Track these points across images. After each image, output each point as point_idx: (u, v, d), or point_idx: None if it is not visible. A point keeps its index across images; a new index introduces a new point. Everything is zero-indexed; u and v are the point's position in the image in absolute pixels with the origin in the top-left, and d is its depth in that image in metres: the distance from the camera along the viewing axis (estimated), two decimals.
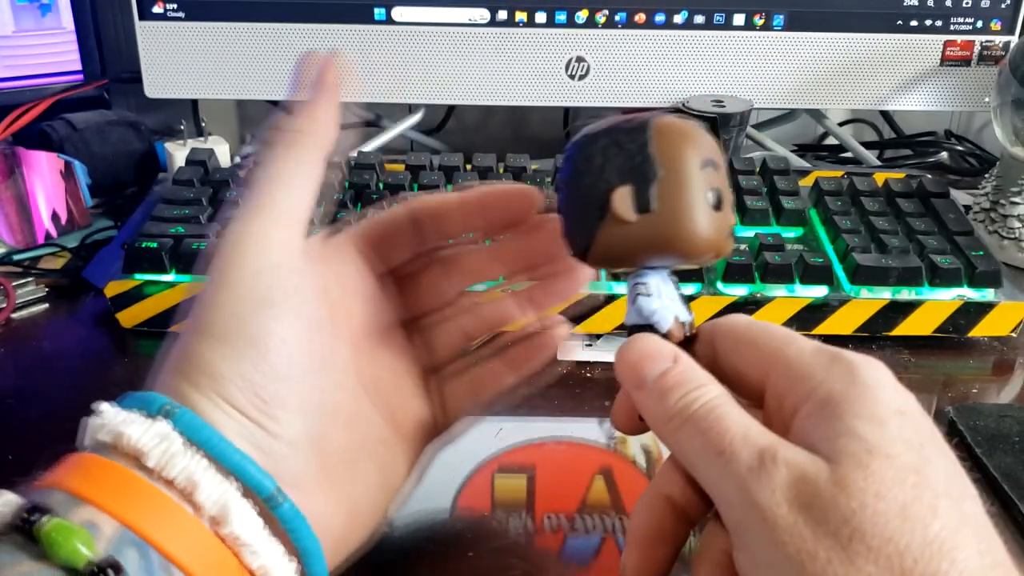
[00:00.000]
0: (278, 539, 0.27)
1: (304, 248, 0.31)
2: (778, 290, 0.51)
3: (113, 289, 0.50)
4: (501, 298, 0.36)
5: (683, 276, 0.51)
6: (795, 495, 0.24)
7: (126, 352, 0.50)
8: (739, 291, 0.51)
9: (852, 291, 0.51)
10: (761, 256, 0.52)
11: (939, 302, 0.51)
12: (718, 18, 0.68)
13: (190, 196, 0.56)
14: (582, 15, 0.68)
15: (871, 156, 0.78)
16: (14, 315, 0.53)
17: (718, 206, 0.28)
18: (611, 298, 0.50)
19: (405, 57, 0.69)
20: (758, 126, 0.79)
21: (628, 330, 0.30)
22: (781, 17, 0.69)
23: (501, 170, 0.61)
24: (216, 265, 0.29)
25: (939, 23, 0.69)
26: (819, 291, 0.51)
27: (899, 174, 0.62)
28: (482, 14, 0.68)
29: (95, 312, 0.53)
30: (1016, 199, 0.62)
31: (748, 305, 0.51)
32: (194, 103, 0.75)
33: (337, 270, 0.33)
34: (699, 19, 0.68)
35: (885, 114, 0.85)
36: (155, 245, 0.51)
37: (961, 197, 0.68)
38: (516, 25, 0.69)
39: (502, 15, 0.68)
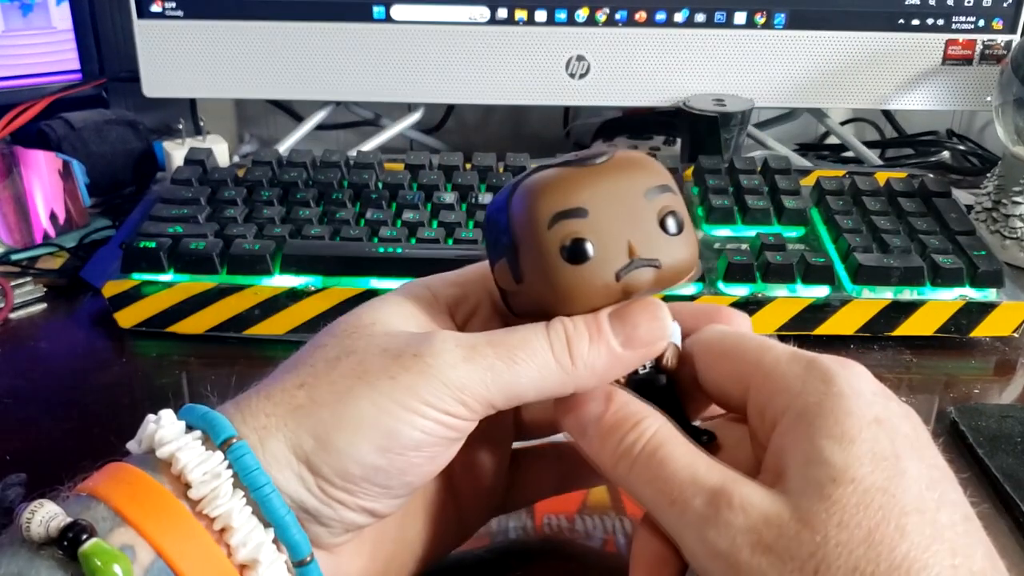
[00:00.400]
0: None
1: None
2: (779, 290, 0.51)
3: (111, 289, 0.50)
4: None
5: None
6: (757, 539, 0.23)
7: (124, 352, 0.50)
8: (740, 291, 0.51)
9: (854, 291, 0.51)
10: (762, 256, 0.51)
11: (941, 302, 0.51)
12: (719, 17, 0.68)
13: (188, 196, 0.56)
14: (582, 13, 0.68)
15: (873, 155, 0.78)
16: (12, 315, 0.53)
17: (578, 259, 0.27)
18: None
19: (404, 56, 0.69)
20: (759, 125, 0.79)
21: None
22: (782, 16, 0.68)
23: (501, 169, 0.60)
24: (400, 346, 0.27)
25: (941, 22, 0.69)
26: (821, 291, 0.51)
27: (901, 173, 0.62)
28: (482, 12, 0.68)
29: (93, 312, 0.53)
30: (1018, 199, 0.61)
31: (749, 305, 0.50)
32: (192, 102, 0.75)
33: None
34: (700, 18, 0.68)
35: (887, 113, 0.85)
36: (153, 245, 0.51)
37: (963, 197, 0.68)
38: (516, 24, 0.68)
39: (502, 13, 0.68)
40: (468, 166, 0.60)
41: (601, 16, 0.68)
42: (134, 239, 0.51)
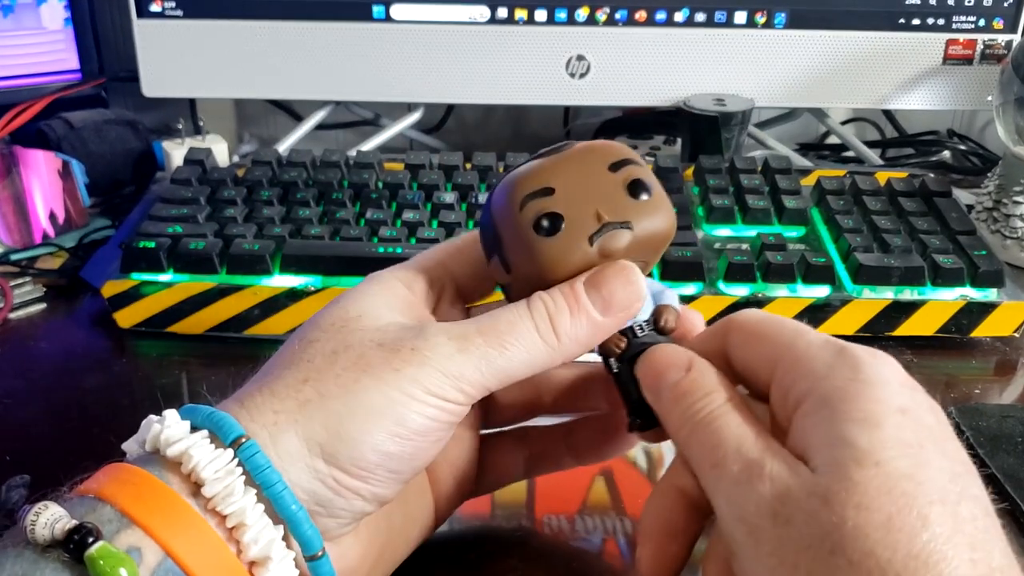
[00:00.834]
0: None
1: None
2: (780, 290, 0.51)
3: (110, 289, 0.50)
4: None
5: (684, 276, 0.51)
6: (779, 509, 0.24)
7: (124, 352, 0.50)
8: (741, 291, 0.51)
9: (854, 291, 0.51)
10: (763, 256, 0.51)
11: (941, 302, 0.51)
12: (719, 16, 0.68)
13: (188, 195, 0.56)
14: (582, 13, 0.68)
15: (873, 155, 0.78)
16: (11, 315, 0.53)
17: (550, 231, 0.29)
18: None
19: (404, 55, 0.69)
20: (760, 125, 0.79)
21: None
22: (783, 15, 0.68)
23: (501, 169, 0.60)
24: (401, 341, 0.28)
25: (941, 22, 0.69)
26: (821, 291, 0.51)
27: (901, 173, 0.62)
28: (482, 12, 0.68)
29: (92, 312, 0.53)
30: (1019, 198, 0.61)
31: (750, 305, 0.50)
32: (192, 102, 0.75)
33: None
34: (700, 17, 0.68)
35: (887, 113, 0.85)
36: (153, 245, 0.51)
37: (963, 196, 0.68)
38: (516, 23, 0.68)
39: (502, 13, 0.68)
40: (468, 166, 0.60)
41: (601, 16, 0.68)
42: (133, 239, 0.51)
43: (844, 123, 0.86)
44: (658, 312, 0.31)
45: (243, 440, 0.26)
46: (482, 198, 0.57)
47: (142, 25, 0.67)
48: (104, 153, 0.67)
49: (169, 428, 0.26)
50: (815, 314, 0.51)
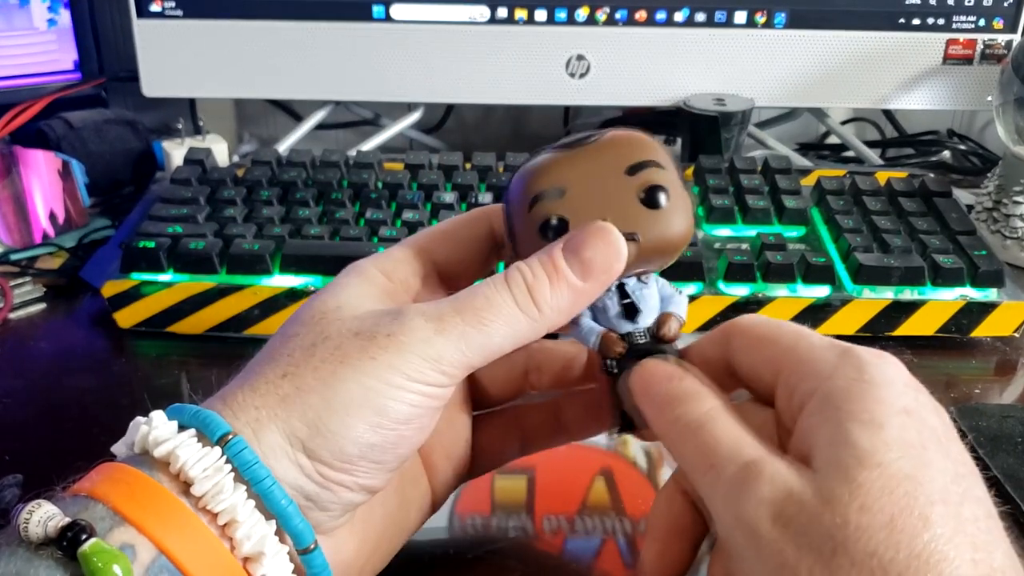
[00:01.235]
0: None
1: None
2: (780, 290, 0.51)
3: (110, 289, 0.50)
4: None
5: (684, 275, 0.51)
6: (779, 511, 0.24)
7: (123, 352, 0.50)
8: (741, 291, 0.51)
9: (854, 291, 0.51)
10: (763, 256, 0.51)
11: (941, 302, 0.51)
12: (719, 16, 0.68)
13: (188, 195, 0.56)
14: (582, 13, 0.68)
15: (873, 155, 0.78)
16: (11, 315, 0.53)
17: (554, 235, 0.29)
18: None
19: (404, 56, 0.69)
20: (760, 125, 0.79)
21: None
22: (783, 15, 0.68)
23: (501, 169, 0.60)
24: (372, 329, 0.28)
25: (941, 21, 0.69)
26: (821, 291, 0.51)
27: (901, 173, 0.62)
28: (482, 12, 0.68)
29: (92, 312, 0.53)
30: (1019, 198, 0.61)
31: (750, 305, 0.50)
32: (192, 102, 0.75)
33: None
34: (700, 17, 0.68)
35: (887, 113, 0.85)
36: (153, 245, 0.51)
37: (963, 196, 0.67)
38: (516, 23, 0.68)
39: (502, 13, 0.68)
40: (468, 166, 0.60)
41: (601, 15, 0.68)
42: (133, 239, 0.51)
43: (844, 123, 0.86)
44: (660, 320, 0.30)
45: (229, 437, 0.25)
46: (482, 198, 0.57)
47: (142, 25, 0.67)
48: (104, 153, 0.67)
49: (156, 429, 0.26)
50: (815, 314, 0.50)
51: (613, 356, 0.30)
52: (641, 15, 0.68)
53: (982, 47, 0.69)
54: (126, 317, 0.50)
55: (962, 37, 0.69)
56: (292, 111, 0.84)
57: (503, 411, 0.36)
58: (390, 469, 0.28)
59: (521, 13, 0.68)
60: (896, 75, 0.70)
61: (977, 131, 0.87)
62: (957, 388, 0.48)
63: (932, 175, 0.61)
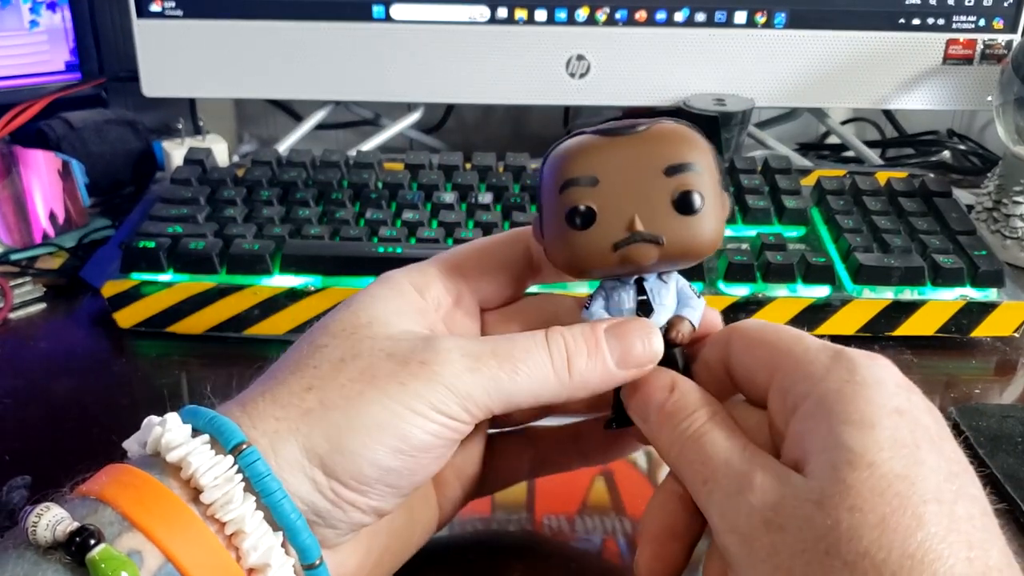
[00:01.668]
0: None
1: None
2: (780, 290, 0.51)
3: (110, 289, 0.50)
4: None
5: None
6: (771, 517, 0.24)
7: (123, 352, 0.50)
8: (741, 291, 0.51)
9: (854, 291, 0.51)
10: (763, 256, 0.51)
11: (941, 302, 0.51)
12: (719, 16, 0.68)
13: (188, 195, 0.56)
14: (583, 13, 0.68)
15: (873, 155, 0.78)
16: (11, 315, 0.53)
17: (580, 225, 0.29)
18: None
19: (404, 56, 0.69)
20: (760, 125, 0.79)
21: None
22: (783, 15, 0.68)
23: (501, 169, 0.60)
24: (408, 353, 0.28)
25: (941, 21, 0.69)
26: (821, 291, 0.51)
27: (901, 173, 0.62)
28: (482, 12, 0.68)
29: (92, 312, 0.53)
30: (1019, 198, 0.61)
31: (750, 305, 0.50)
32: (192, 102, 0.75)
33: None
34: (700, 17, 0.68)
35: (887, 113, 0.85)
36: (153, 245, 0.51)
37: (963, 196, 0.67)
38: (516, 23, 0.68)
39: (502, 13, 0.68)
40: (468, 166, 0.60)
41: (601, 16, 0.68)
42: (133, 239, 0.51)
43: (844, 123, 0.86)
44: (671, 323, 0.30)
45: (244, 447, 0.25)
46: (482, 198, 0.57)
47: (142, 25, 0.67)
48: (104, 153, 0.67)
49: (170, 432, 0.26)
50: (815, 314, 0.51)
51: None
52: (641, 15, 0.68)
53: (982, 47, 0.69)
54: (126, 317, 0.50)
55: (962, 37, 0.69)
56: (292, 111, 0.84)
57: (518, 432, 0.36)
58: (403, 495, 0.28)
59: (521, 13, 0.68)
60: (896, 75, 0.70)
61: (977, 131, 0.87)
62: (957, 388, 0.48)
63: (932, 175, 0.61)
